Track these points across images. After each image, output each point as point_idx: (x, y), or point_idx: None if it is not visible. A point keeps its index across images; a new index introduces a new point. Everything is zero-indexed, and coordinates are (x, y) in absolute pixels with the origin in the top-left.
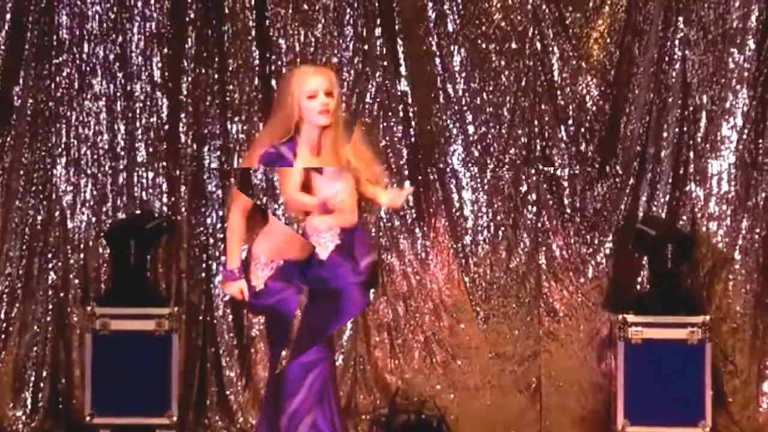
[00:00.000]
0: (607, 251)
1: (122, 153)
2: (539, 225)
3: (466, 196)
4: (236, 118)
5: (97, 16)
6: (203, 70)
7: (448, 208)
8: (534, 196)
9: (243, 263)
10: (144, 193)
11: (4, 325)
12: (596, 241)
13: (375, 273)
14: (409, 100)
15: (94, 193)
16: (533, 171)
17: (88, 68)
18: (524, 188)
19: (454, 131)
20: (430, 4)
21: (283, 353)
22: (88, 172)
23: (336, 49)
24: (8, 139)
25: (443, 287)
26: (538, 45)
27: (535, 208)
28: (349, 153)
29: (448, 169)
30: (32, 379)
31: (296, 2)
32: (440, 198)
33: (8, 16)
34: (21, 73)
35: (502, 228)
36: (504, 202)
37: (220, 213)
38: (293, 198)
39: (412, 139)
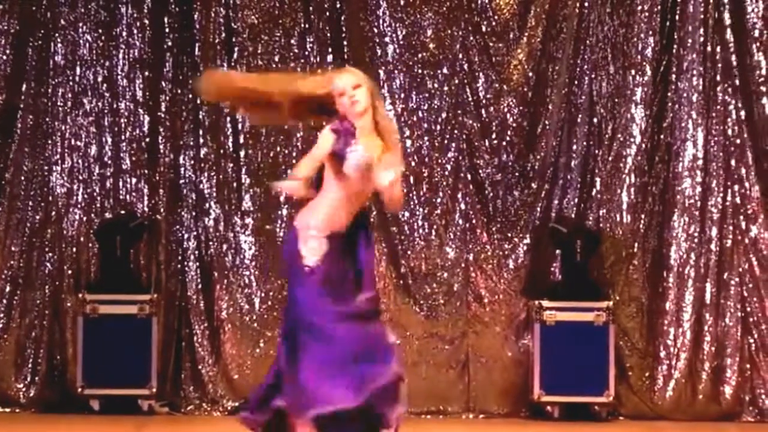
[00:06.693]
0: (525, 246)
1: (109, 162)
2: (468, 224)
3: (406, 200)
4: (207, 133)
5: (87, 44)
6: (179, 91)
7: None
8: (463, 199)
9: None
10: (128, 196)
11: (8, 309)
12: (516, 238)
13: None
14: None
15: (85, 196)
16: (462, 178)
17: (80, 88)
18: (455, 193)
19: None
20: (376, 38)
21: None
22: (80, 178)
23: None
24: (11, 149)
25: (387, 279)
26: (467, 70)
27: (464, 209)
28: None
29: None
30: (32, 356)
31: (258, 35)
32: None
33: (11, 42)
34: (22, 93)
35: (435, 227)
36: (438, 204)
37: (194, 213)
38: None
39: None
